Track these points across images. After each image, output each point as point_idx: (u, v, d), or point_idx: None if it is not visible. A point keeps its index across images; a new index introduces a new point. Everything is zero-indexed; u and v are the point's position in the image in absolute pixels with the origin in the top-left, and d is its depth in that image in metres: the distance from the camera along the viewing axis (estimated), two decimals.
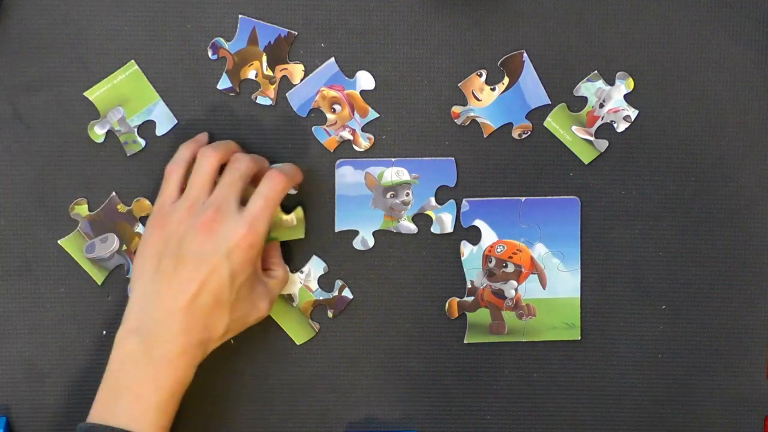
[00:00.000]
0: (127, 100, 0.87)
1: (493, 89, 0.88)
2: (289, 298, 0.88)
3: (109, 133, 0.87)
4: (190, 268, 0.76)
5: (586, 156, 0.89)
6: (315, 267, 0.88)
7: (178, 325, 0.76)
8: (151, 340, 0.76)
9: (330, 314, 0.89)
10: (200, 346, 0.77)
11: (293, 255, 0.88)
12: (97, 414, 0.77)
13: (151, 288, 0.77)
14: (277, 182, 0.80)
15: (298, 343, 0.89)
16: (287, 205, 0.86)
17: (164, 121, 0.87)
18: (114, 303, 0.87)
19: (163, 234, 0.78)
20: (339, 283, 0.89)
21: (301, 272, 0.88)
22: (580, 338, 0.90)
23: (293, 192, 0.87)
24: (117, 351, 0.77)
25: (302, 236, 0.87)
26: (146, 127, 0.87)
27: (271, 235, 0.86)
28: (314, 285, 0.89)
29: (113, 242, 0.87)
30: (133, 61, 0.86)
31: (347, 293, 0.89)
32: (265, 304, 0.81)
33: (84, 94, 0.86)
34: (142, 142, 0.87)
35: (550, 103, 0.88)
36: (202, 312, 0.77)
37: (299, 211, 0.87)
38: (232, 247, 0.77)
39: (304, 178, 0.85)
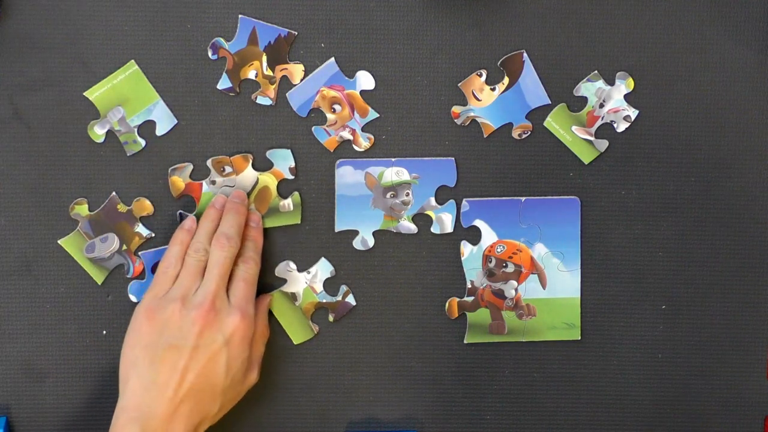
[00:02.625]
0: (127, 100, 0.86)
1: (493, 89, 0.88)
2: (292, 297, 0.88)
3: (109, 133, 0.87)
4: (188, 357, 0.79)
5: (586, 156, 0.89)
6: (322, 269, 0.88)
7: (176, 413, 0.78)
8: (151, 427, 0.77)
9: (331, 318, 0.89)
10: (195, 429, 0.80)
11: (301, 256, 0.88)
12: None
13: (149, 377, 0.79)
14: (250, 264, 0.84)
15: (295, 343, 0.89)
16: (284, 191, 0.87)
17: (164, 121, 0.87)
18: (114, 303, 0.88)
19: (155, 324, 0.80)
20: (344, 288, 0.88)
21: (308, 272, 0.88)
22: (580, 338, 0.90)
23: (290, 177, 0.87)
24: None
25: (299, 221, 0.87)
26: (146, 127, 0.87)
27: (268, 222, 0.86)
28: (319, 287, 0.88)
29: (113, 242, 0.87)
30: (133, 61, 0.86)
31: (350, 299, 0.88)
32: (254, 374, 0.84)
33: (84, 94, 0.86)
34: (142, 142, 0.87)
35: (550, 103, 0.88)
36: (199, 399, 0.79)
37: (296, 196, 0.87)
38: (229, 335, 0.80)
39: (297, 179, 0.86)
